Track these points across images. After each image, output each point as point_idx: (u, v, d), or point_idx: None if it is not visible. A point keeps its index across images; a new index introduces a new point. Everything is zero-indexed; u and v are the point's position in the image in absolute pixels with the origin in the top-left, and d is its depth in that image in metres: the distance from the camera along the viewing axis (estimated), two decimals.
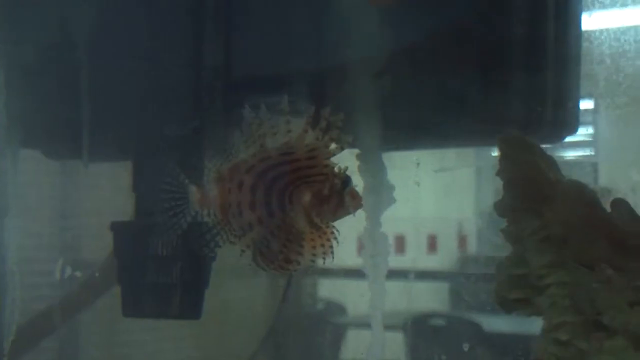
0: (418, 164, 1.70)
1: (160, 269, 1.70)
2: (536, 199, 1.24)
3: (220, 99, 1.81)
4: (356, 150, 1.68)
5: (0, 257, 1.91)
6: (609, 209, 1.23)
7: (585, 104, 1.94)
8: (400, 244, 5.81)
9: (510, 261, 1.25)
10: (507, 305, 1.26)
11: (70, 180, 3.38)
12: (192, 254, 1.71)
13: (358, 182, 1.60)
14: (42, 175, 4.15)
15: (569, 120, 1.68)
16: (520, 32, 1.62)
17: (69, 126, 1.78)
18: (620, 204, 1.22)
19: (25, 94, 1.85)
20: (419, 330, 4.52)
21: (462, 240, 5.81)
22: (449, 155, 1.71)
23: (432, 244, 6.07)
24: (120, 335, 4.38)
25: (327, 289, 5.66)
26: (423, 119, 1.65)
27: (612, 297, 1.17)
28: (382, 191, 1.66)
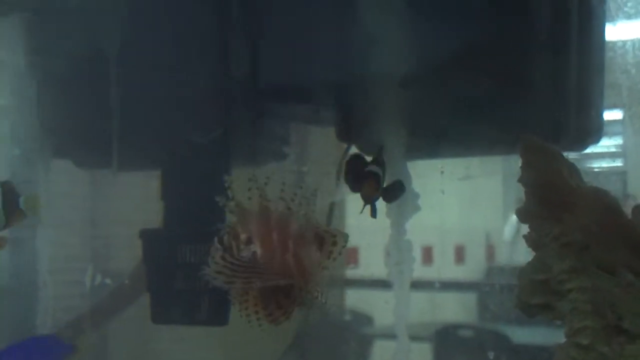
0: (442, 172, 1.72)
1: (188, 276, 1.72)
2: (558, 205, 1.25)
3: (247, 108, 1.83)
4: None
5: (33, 266, 1.94)
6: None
7: (614, 114, 1.94)
8: (428, 254, 5.81)
9: (532, 267, 1.26)
10: (529, 311, 1.28)
11: (101, 190, 3.41)
12: None
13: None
14: (73, 186, 4.19)
15: (592, 129, 1.69)
16: (544, 41, 1.63)
17: (99, 136, 1.81)
18: None
19: (56, 105, 1.88)
20: (447, 341, 4.53)
21: (490, 251, 5.80)
22: (474, 163, 1.73)
23: (460, 255, 6.06)
24: (149, 345, 4.40)
25: (354, 299, 5.67)
26: (448, 128, 1.67)
27: (633, 302, 1.18)
28: (407, 199, 1.68)
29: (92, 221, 4.23)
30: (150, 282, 1.77)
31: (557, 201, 1.25)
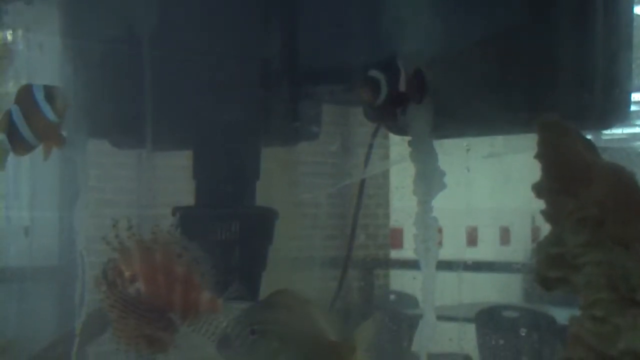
0: (468, 150, 1.73)
1: (219, 253, 1.76)
2: (574, 180, 1.27)
3: (281, 89, 1.86)
4: (408, 138, 1.73)
5: (71, 242, 1.98)
6: None
7: None
8: (473, 236, 5.83)
9: (548, 241, 1.28)
10: (546, 284, 1.30)
11: (147, 173, 3.46)
12: (250, 239, 1.77)
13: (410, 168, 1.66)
14: (119, 168, 4.26)
15: (618, 107, 1.70)
16: (569, 19, 1.64)
17: (134, 117, 1.85)
18: None
19: (92, 87, 1.92)
20: (492, 321, 4.53)
21: (535, 232, 5.79)
22: (498, 141, 1.75)
23: (505, 236, 6.06)
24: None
25: (400, 280, 5.70)
26: (473, 108, 1.68)
27: None
28: (433, 177, 1.70)
29: (138, 204, 4.30)
30: None
31: (573, 177, 1.27)
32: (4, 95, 2.05)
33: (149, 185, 3.29)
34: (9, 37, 2.08)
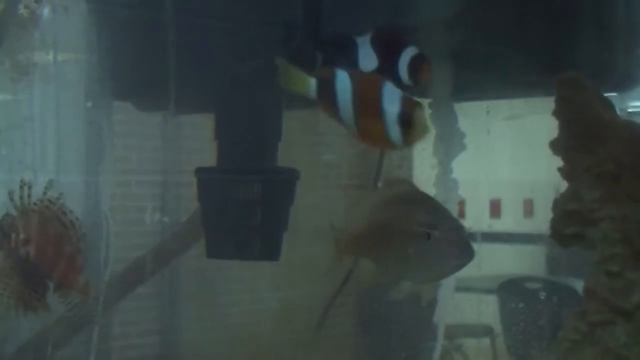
0: (488, 112, 1.74)
1: (242, 213, 1.78)
2: (590, 137, 1.28)
3: (299, 53, 1.86)
4: (428, 100, 1.74)
5: (95, 202, 2.01)
6: None
7: None
8: (497, 208, 5.81)
9: (564, 197, 1.29)
10: (563, 240, 1.31)
11: (172, 142, 3.46)
12: (271, 199, 1.79)
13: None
14: (145, 139, 4.28)
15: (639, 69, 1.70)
16: None
17: (157, 80, 1.86)
18: None
19: (116, 50, 1.94)
20: (514, 292, 4.53)
21: None
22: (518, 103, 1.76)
23: (529, 208, 6.04)
24: (219, 296, 4.50)
25: None
26: (493, 69, 1.69)
27: None
28: (453, 139, 1.71)
29: (162, 173, 4.31)
30: (205, 218, 1.83)
31: (590, 134, 1.28)
32: (30, 58, 2.07)
33: (173, 152, 3.30)
34: (35, 1, 2.10)
